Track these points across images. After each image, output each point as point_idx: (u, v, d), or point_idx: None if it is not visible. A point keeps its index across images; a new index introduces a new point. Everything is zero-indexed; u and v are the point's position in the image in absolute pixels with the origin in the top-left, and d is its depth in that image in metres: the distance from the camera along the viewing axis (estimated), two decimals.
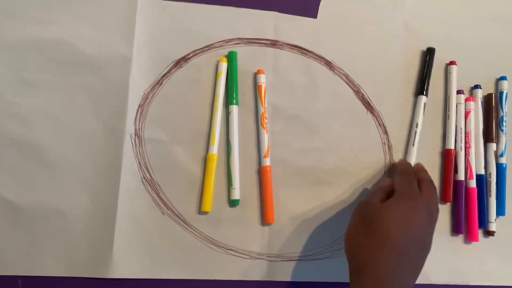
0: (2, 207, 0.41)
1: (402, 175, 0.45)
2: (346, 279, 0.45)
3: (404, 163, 0.49)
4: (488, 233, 0.50)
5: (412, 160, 0.50)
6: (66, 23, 0.45)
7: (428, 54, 0.52)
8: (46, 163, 0.43)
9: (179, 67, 0.47)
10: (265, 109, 0.47)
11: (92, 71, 0.45)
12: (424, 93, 0.51)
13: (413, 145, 0.50)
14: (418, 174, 0.46)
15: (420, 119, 0.50)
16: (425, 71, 0.52)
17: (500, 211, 0.51)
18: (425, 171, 0.47)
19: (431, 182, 0.44)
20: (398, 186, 0.42)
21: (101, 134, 0.44)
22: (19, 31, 0.44)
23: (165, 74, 0.46)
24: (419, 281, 0.47)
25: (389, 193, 0.42)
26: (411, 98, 0.51)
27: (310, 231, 0.46)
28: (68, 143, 0.43)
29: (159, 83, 0.46)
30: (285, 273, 0.45)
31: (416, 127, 0.50)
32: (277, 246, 0.46)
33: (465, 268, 0.49)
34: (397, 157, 0.50)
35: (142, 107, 0.45)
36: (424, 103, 0.50)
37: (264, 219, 0.45)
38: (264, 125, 0.47)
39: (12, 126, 0.43)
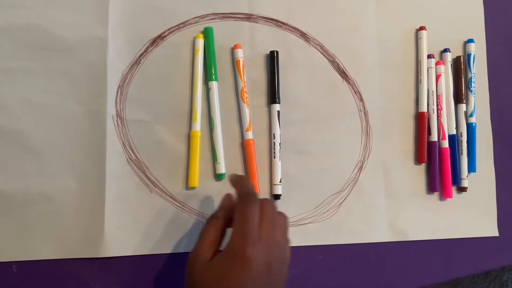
0: None
1: (240, 205, 0.35)
2: (329, 241, 0.48)
3: (241, 181, 0.38)
4: (461, 189, 0.53)
5: (278, 174, 0.47)
6: (39, 7, 0.44)
7: (271, 58, 0.49)
8: (30, 149, 0.43)
9: (155, 46, 0.47)
10: (245, 84, 0.48)
11: (68, 54, 0.44)
12: (277, 101, 0.48)
13: (274, 157, 0.47)
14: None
15: (277, 129, 0.48)
16: (274, 78, 0.48)
17: (471, 168, 0.54)
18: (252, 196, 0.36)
19: (278, 214, 0.36)
20: (233, 230, 0.33)
21: (82, 118, 0.44)
22: None
23: (142, 54, 0.46)
24: (400, 239, 0.51)
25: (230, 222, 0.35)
26: (384, 65, 0.53)
27: (294, 199, 0.48)
28: (50, 128, 0.43)
29: (137, 62, 0.46)
30: None
31: (274, 138, 0.48)
32: None
33: (441, 223, 0.53)
34: (373, 122, 0.52)
35: (121, 88, 0.45)
36: (278, 111, 0.48)
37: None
38: (245, 100, 0.47)
39: None
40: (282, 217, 0.38)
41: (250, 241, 0.32)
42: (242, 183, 0.37)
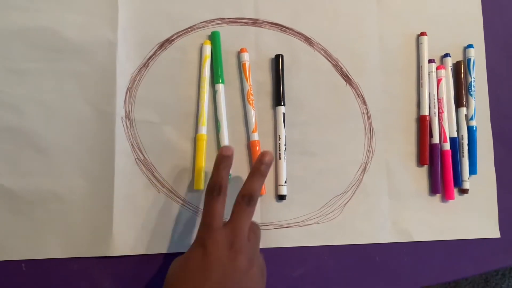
0: (1, 194, 0.42)
1: (207, 197, 0.39)
2: (334, 242, 0.49)
3: (220, 167, 0.39)
4: (463, 191, 0.54)
5: (283, 175, 0.48)
6: (50, 10, 0.45)
7: (276, 62, 0.50)
8: (40, 149, 0.43)
9: (164, 49, 0.48)
10: (251, 86, 0.49)
11: (78, 56, 0.45)
12: (282, 103, 0.49)
13: (280, 158, 0.49)
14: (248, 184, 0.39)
15: (282, 131, 0.49)
16: (280, 81, 0.50)
17: (473, 170, 0.55)
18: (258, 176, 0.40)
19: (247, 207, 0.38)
20: (201, 220, 0.39)
21: (92, 118, 0.45)
22: (3, 20, 0.44)
23: (150, 57, 0.48)
24: (403, 239, 0.51)
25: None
26: (386, 69, 0.54)
27: (299, 199, 0.49)
28: (61, 128, 0.44)
29: (145, 65, 0.47)
30: (278, 240, 0.48)
31: (279, 139, 0.49)
32: (269, 215, 0.48)
33: (443, 224, 0.53)
34: (376, 125, 0.53)
35: (130, 90, 0.46)
36: (283, 113, 0.49)
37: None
38: (251, 102, 0.48)
39: (4, 115, 0.43)
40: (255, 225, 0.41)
41: (211, 229, 0.37)
42: (220, 170, 0.39)
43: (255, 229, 0.40)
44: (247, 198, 0.38)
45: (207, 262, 0.36)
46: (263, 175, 0.40)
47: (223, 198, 0.39)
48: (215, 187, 0.38)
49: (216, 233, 0.37)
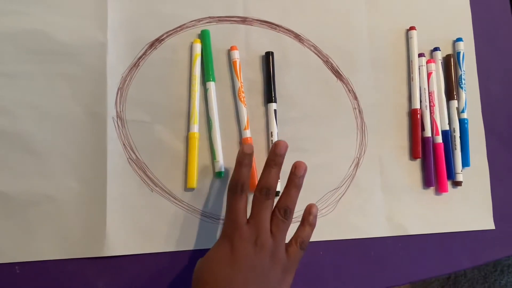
0: None
1: (229, 197, 0.40)
2: (329, 237, 0.49)
3: (242, 166, 0.40)
4: (456, 184, 0.54)
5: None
6: (40, 13, 0.45)
7: (266, 59, 0.50)
8: (32, 151, 0.43)
9: (154, 49, 0.48)
10: (242, 84, 0.49)
11: (69, 58, 0.45)
12: (274, 100, 0.49)
13: None
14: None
15: (274, 127, 0.49)
16: (270, 78, 0.50)
17: (465, 163, 0.55)
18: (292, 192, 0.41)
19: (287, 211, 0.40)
20: (224, 218, 0.40)
21: (84, 119, 0.45)
22: None
23: (141, 57, 0.48)
24: (398, 233, 0.51)
25: None
26: (376, 64, 0.54)
27: None
28: (52, 130, 0.44)
29: (136, 65, 0.47)
30: None
31: (272, 136, 0.49)
32: None
33: (438, 217, 0.54)
34: (368, 120, 0.53)
35: (121, 90, 0.46)
36: (275, 110, 0.49)
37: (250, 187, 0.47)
38: (242, 99, 0.49)
39: None
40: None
41: (237, 226, 0.38)
42: (242, 168, 0.39)
43: (278, 223, 0.40)
44: (265, 191, 0.39)
45: (235, 257, 0.37)
46: (279, 166, 0.40)
47: (246, 195, 0.40)
48: (238, 185, 0.39)
49: (242, 229, 0.38)
